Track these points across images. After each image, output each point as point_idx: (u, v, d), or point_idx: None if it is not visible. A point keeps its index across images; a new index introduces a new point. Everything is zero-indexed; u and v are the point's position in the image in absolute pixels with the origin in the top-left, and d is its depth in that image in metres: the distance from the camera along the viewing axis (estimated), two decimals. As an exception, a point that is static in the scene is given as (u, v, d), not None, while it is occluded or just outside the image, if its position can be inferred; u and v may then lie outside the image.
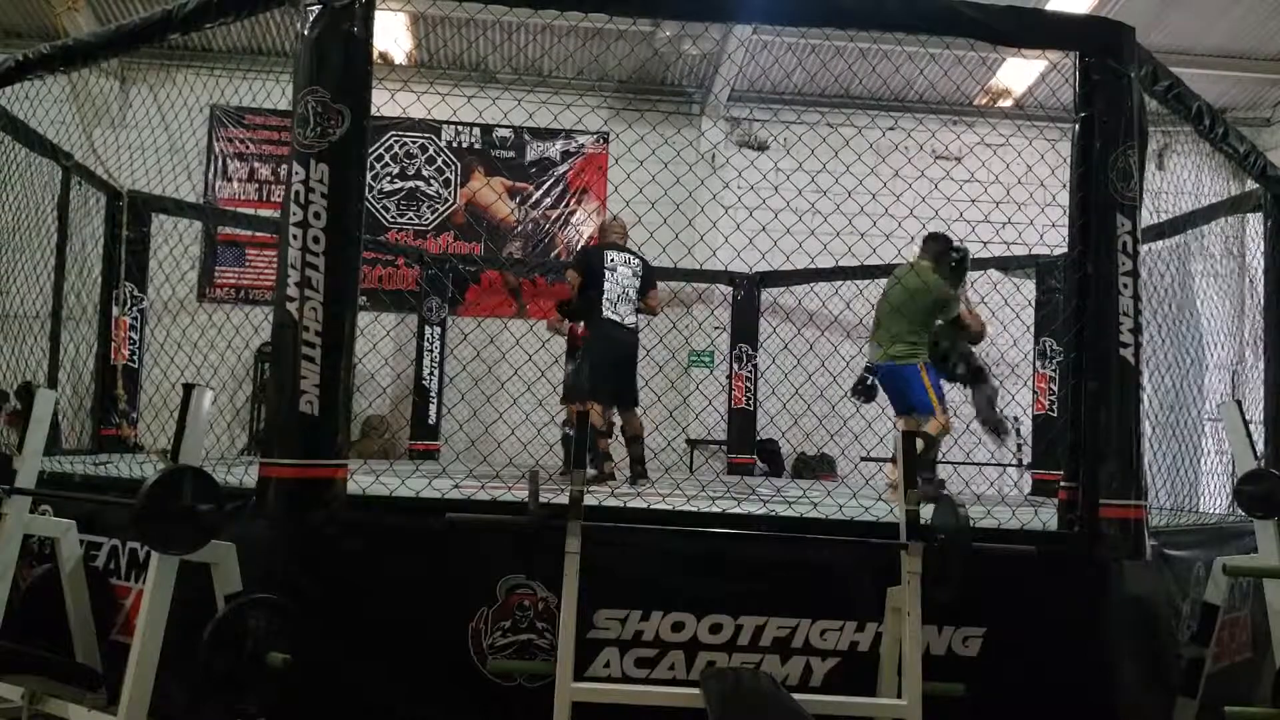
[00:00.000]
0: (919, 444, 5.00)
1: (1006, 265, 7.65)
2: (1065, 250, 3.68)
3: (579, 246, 9.25)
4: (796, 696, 2.76)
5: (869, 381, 5.55)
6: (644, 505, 3.48)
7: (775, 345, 7.42)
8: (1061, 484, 3.47)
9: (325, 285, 3.09)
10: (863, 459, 6.25)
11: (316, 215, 3.10)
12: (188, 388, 2.92)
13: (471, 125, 9.76)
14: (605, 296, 5.19)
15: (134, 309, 6.66)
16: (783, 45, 8.96)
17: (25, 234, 5.48)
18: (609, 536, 3.05)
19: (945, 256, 5.35)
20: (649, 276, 5.45)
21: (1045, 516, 3.79)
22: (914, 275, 5.24)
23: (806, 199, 4.91)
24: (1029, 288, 7.43)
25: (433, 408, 8.81)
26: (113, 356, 6.51)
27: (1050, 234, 5.11)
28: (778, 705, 2.68)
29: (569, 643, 2.77)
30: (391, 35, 8.95)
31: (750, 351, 8.68)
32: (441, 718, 3.11)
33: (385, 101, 5.24)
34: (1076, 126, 3.52)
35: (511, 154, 9.91)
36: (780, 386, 6.86)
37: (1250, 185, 5.21)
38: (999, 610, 3.18)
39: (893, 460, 5.37)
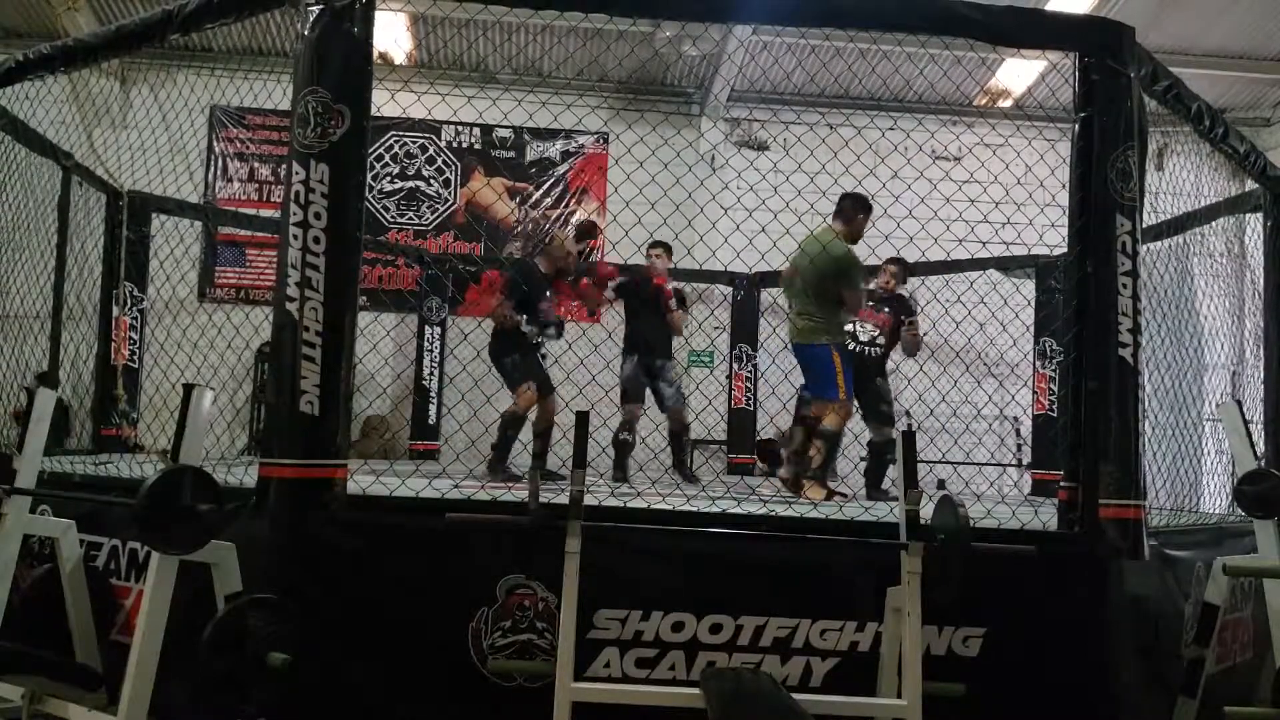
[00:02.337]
0: (815, 443, 4.68)
1: (1006, 265, 7.65)
2: (1065, 250, 3.67)
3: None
4: (796, 696, 2.76)
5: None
6: (644, 505, 3.48)
7: (775, 345, 7.41)
8: (1061, 484, 3.47)
9: (325, 285, 3.09)
10: (862, 459, 6.24)
11: (316, 215, 3.10)
12: (188, 388, 2.93)
13: (471, 125, 9.76)
14: None
15: (134, 309, 6.66)
16: (782, 46, 8.96)
17: (25, 234, 5.48)
18: (609, 536, 3.05)
19: (859, 217, 4.90)
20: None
21: (1045, 516, 3.79)
22: (813, 240, 4.83)
23: (806, 199, 4.90)
24: (1029, 288, 7.43)
25: (433, 408, 8.81)
26: (113, 356, 6.51)
27: (1050, 234, 5.09)
28: (778, 705, 2.68)
29: (569, 643, 2.77)
30: (391, 35, 8.94)
31: (750, 351, 8.68)
32: (441, 718, 3.11)
33: (385, 101, 5.24)
34: (1076, 127, 3.52)
35: (511, 154, 9.91)
36: (780, 386, 6.84)
37: (1250, 185, 5.21)
38: (999, 610, 3.18)
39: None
